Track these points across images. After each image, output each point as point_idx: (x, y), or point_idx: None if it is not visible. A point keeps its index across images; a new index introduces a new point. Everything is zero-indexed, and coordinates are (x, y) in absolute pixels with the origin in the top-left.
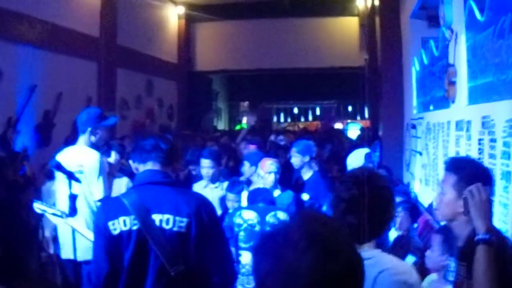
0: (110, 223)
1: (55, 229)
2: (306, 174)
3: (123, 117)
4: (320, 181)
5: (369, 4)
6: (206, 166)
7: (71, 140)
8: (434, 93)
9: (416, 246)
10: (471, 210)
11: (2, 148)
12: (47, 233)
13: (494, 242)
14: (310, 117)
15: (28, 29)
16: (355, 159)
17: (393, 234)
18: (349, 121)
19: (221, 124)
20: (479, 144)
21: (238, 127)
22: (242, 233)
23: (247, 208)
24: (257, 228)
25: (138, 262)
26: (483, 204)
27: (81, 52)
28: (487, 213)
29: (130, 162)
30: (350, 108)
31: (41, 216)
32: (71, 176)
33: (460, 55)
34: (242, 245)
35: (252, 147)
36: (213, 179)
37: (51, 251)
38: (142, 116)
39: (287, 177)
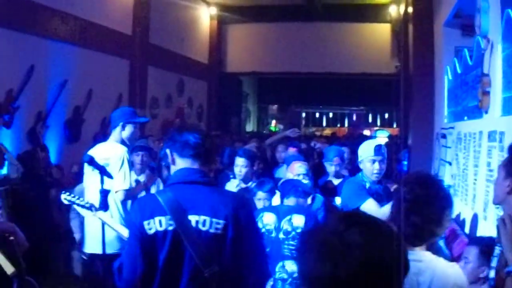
0: (145, 223)
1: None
2: (338, 179)
3: (153, 115)
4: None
5: (402, 11)
6: (240, 164)
7: (100, 136)
8: (467, 103)
9: (444, 257)
10: (502, 240)
11: (31, 142)
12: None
13: None
14: (339, 123)
15: (61, 25)
16: (365, 151)
17: None
18: (377, 128)
19: (250, 126)
20: None
21: (274, 129)
22: None
23: (268, 209)
24: (273, 234)
25: (172, 262)
26: None
27: (113, 49)
28: None
29: (168, 151)
30: (379, 116)
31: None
32: (103, 171)
33: (495, 65)
34: None
35: (292, 150)
36: (246, 179)
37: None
38: (172, 115)
39: (315, 181)
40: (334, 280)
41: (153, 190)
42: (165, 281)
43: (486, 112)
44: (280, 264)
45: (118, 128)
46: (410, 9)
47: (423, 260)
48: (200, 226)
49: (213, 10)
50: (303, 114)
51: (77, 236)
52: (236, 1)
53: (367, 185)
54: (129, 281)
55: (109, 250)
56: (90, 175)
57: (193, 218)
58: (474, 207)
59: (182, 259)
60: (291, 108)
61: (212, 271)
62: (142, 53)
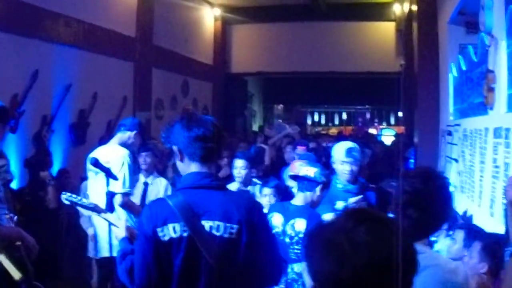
0: (158, 229)
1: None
2: None
3: (158, 117)
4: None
5: (406, 10)
6: (239, 166)
7: (105, 140)
8: (472, 100)
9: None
10: (509, 220)
11: (36, 146)
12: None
13: None
14: (344, 122)
15: (65, 29)
16: (337, 153)
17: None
18: (383, 126)
19: (256, 127)
20: None
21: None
22: None
23: (277, 209)
24: (282, 237)
25: (188, 268)
26: None
27: (117, 51)
28: None
29: (175, 148)
30: (384, 114)
31: (77, 216)
32: (108, 173)
33: (500, 61)
34: None
35: (301, 148)
36: (245, 182)
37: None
38: (177, 117)
39: None
40: (340, 278)
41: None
42: (181, 286)
43: (492, 109)
44: (290, 267)
45: (128, 134)
46: (414, 7)
47: (424, 252)
48: (214, 231)
49: (217, 11)
50: (309, 114)
51: (90, 231)
52: (240, 2)
53: (339, 186)
54: (143, 286)
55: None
56: (93, 178)
57: (206, 224)
58: (481, 203)
59: (198, 264)
60: (297, 107)
61: (228, 275)
62: (146, 55)
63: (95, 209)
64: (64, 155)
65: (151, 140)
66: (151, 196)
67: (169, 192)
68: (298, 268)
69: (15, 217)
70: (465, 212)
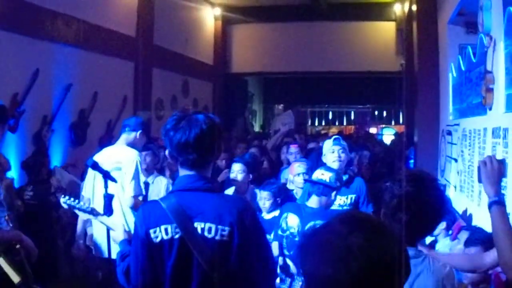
0: (151, 231)
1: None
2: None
3: (158, 117)
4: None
5: (406, 10)
6: (236, 170)
7: (105, 139)
8: (471, 100)
9: None
10: (482, 178)
11: (36, 146)
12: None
13: (504, 202)
14: (345, 121)
15: (65, 28)
16: (326, 144)
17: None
18: (383, 126)
19: (256, 127)
20: None
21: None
22: (284, 240)
23: (292, 210)
24: (297, 238)
25: (180, 269)
26: (493, 172)
27: (118, 51)
28: (496, 180)
29: (167, 152)
30: (384, 113)
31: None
32: (107, 175)
33: (498, 62)
34: (285, 252)
35: (294, 147)
36: (240, 189)
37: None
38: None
39: None
40: (336, 281)
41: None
42: (174, 287)
43: (490, 109)
44: None
45: (134, 134)
46: (414, 7)
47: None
48: (205, 233)
49: (218, 11)
50: (309, 113)
51: (89, 230)
52: (241, 2)
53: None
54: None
55: (115, 255)
56: (89, 180)
57: (198, 226)
58: (480, 203)
59: (190, 266)
60: (297, 107)
61: (221, 276)
62: (147, 54)
63: (93, 212)
64: (64, 155)
65: (153, 139)
66: (152, 196)
67: None
68: None
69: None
70: (464, 212)
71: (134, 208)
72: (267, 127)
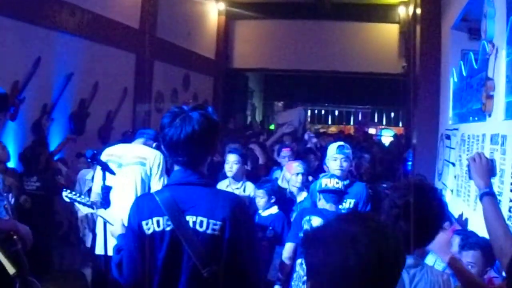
0: (143, 223)
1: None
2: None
3: (158, 110)
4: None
5: (410, 12)
6: (231, 161)
7: (104, 130)
8: (471, 105)
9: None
10: (472, 173)
11: (35, 134)
12: (86, 226)
13: (494, 193)
14: (344, 121)
15: (68, 17)
16: (329, 150)
17: None
18: (382, 127)
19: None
20: None
21: (272, 127)
22: None
23: (316, 214)
24: None
25: (171, 262)
26: (483, 167)
27: (120, 42)
28: (486, 173)
29: (163, 148)
30: (384, 114)
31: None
32: (105, 167)
33: (499, 69)
34: None
35: (286, 150)
36: (236, 178)
37: (88, 244)
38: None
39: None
40: (342, 273)
41: None
42: (164, 280)
43: (490, 115)
44: None
45: (151, 143)
46: (418, 11)
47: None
48: (197, 227)
49: (221, 6)
50: (309, 112)
51: (80, 213)
52: None
53: None
54: (130, 279)
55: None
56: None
57: (190, 219)
58: (476, 207)
59: (180, 259)
60: (297, 105)
61: (211, 270)
62: (149, 47)
63: (92, 206)
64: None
65: None
66: None
67: None
68: None
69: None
70: (460, 216)
71: None
72: (266, 123)
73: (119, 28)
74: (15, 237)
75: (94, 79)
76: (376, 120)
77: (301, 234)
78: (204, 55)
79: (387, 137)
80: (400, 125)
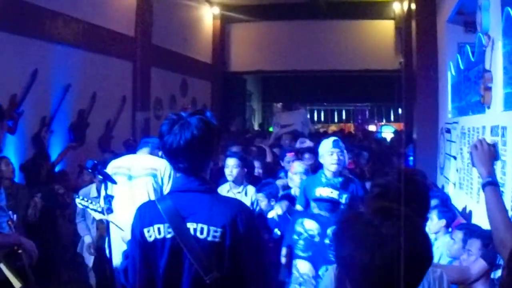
0: (145, 230)
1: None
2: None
3: (157, 117)
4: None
5: (405, 8)
6: (231, 165)
7: (104, 140)
8: (470, 98)
9: None
10: (475, 160)
11: (35, 147)
12: (87, 240)
13: (497, 182)
14: (344, 120)
15: (64, 28)
16: (325, 146)
17: None
18: (383, 123)
19: (254, 125)
20: None
21: (271, 129)
22: (301, 242)
23: (309, 217)
24: (317, 239)
25: (172, 269)
26: (485, 154)
27: (116, 51)
28: (488, 161)
29: (161, 154)
30: (384, 111)
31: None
32: (107, 177)
33: (496, 61)
34: (300, 253)
35: (290, 155)
36: (237, 181)
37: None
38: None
39: None
40: (370, 266)
41: None
42: (167, 287)
43: (489, 107)
44: (324, 268)
45: (157, 152)
46: (413, 6)
47: None
48: (198, 234)
49: (216, 10)
50: (308, 112)
51: (87, 239)
52: (239, 0)
53: (323, 180)
54: (134, 286)
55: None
56: (124, 184)
57: (191, 226)
58: (479, 200)
59: (182, 266)
60: (296, 105)
61: (213, 277)
62: (145, 54)
63: (103, 212)
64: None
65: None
66: None
67: None
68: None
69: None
70: (464, 209)
71: None
72: (266, 126)
73: (115, 36)
74: (19, 251)
75: (92, 89)
76: (375, 117)
77: (295, 237)
78: (201, 60)
79: (387, 134)
80: (400, 121)
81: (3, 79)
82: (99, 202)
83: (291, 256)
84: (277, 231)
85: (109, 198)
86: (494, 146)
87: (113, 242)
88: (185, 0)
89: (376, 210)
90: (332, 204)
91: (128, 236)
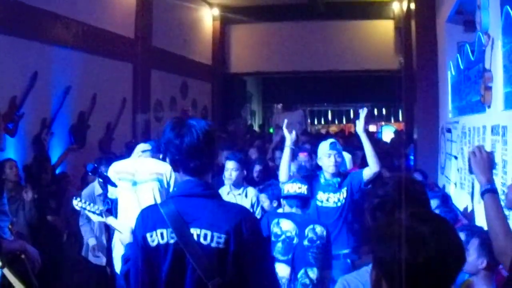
0: (148, 235)
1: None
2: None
3: (157, 119)
4: None
5: (404, 8)
6: (230, 168)
7: (105, 142)
8: (470, 98)
9: None
10: (473, 168)
11: (36, 149)
12: (91, 242)
13: (496, 190)
14: (344, 120)
15: (64, 30)
16: (322, 148)
17: None
18: (383, 123)
19: (255, 126)
20: None
21: (272, 130)
22: (279, 245)
23: (284, 216)
24: (295, 241)
25: (175, 274)
26: (483, 161)
27: (116, 53)
28: (487, 168)
29: (168, 160)
30: (384, 111)
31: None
32: (107, 180)
33: (496, 60)
34: (279, 257)
35: (303, 155)
36: (237, 184)
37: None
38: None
39: None
40: (410, 265)
41: None
42: None
43: (489, 107)
44: (303, 270)
45: (158, 155)
46: (412, 6)
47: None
48: (201, 240)
49: (216, 11)
50: (309, 112)
51: (91, 241)
52: (239, 2)
53: (322, 181)
54: None
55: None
56: (128, 189)
57: (194, 232)
58: (481, 200)
59: (185, 272)
60: (296, 107)
61: (216, 283)
62: (145, 56)
63: (102, 214)
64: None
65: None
66: None
67: None
68: (312, 273)
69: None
70: (465, 209)
71: None
72: (267, 127)
73: (115, 38)
74: (22, 256)
75: (92, 91)
76: (376, 117)
77: (273, 239)
78: (201, 61)
79: (388, 134)
80: (401, 120)
81: (3, 81)
82: (97, 204)
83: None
84: None
85: (107, 200)
86: (491, 153)
87: (115, 246)
88: (185, 1)
89: (412, 214)
90: (301, 200)
91: (126, 239)
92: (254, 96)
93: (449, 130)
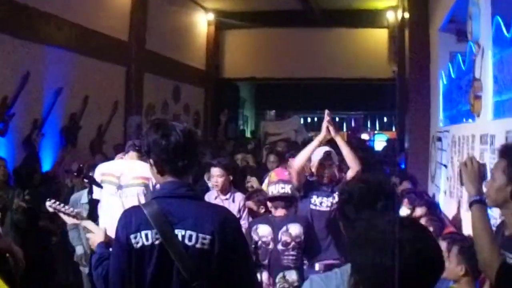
0: (131, 236)
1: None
2: None
3: (149, 122)
4: None
5: (399, 17)
6: (215, 175)
7: (96, 144)
8: (460, 107)
9: None
10: (464, 178)
11: (26, 150)
12: (78, 251)
13: (484, 201)
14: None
15: (57, 31)
16: (316, 155)
17: None
18: (376, 132)
19: (247, 132)
20: None
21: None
22: (257, 251)
23: (262, 221)
24: (271, 246)
25: (160, 276)
26: (474, 172)
27: (110, 55)
28: (477, 179)
29: (151, 161)
30: (377, 119)
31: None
32: (93, 182)
33: (486, 70)
34: (257, 262)
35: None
36: (223, 190)
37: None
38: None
39: None
40: (387, 270)
41: None
42: None
43: (478, 116)
44: (281, 274)
45: (144, 158)
46: (406, 15)
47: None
48: (186, 241)
49: (211, 16)
50: (302, 120)
51: (78, 250)
52: (234, 7)
53: (316, 185)
54: None
55: None
56: (112, 193)
57: (179, 233)
58: (468, 209)
59: (169, 273)
60: (289, 113)
61: (201, 285)
62: (139, 59)
63: (77, 216)
64: (54, 159)
65: None
66: None
67: None
68: (290, 276)
69: None
70: (454, 217)
71: None
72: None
73: (108, 41)
74: (7, 255)
75: (84, 93)
76: (369, 125)
77: (252, 246)
78: (194, 66)
79: (380, 142)
80: (393, 129)
81: None
82: (72, 207)
83: None
84: None
85: (93, 203)
86: (483, 166)
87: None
88: (179, 6)
89: (391, 220)
90: (285, 200)
91: (98, 238)
92: (247, 102)
93: (439, 139)
